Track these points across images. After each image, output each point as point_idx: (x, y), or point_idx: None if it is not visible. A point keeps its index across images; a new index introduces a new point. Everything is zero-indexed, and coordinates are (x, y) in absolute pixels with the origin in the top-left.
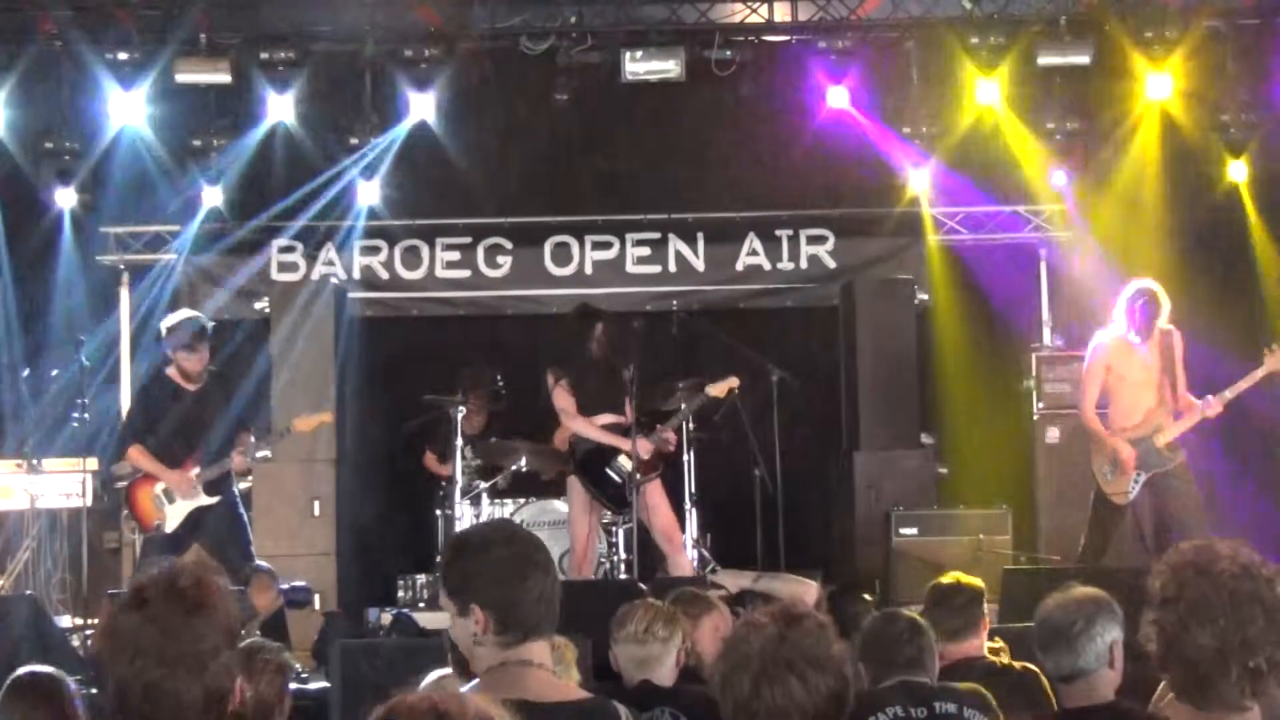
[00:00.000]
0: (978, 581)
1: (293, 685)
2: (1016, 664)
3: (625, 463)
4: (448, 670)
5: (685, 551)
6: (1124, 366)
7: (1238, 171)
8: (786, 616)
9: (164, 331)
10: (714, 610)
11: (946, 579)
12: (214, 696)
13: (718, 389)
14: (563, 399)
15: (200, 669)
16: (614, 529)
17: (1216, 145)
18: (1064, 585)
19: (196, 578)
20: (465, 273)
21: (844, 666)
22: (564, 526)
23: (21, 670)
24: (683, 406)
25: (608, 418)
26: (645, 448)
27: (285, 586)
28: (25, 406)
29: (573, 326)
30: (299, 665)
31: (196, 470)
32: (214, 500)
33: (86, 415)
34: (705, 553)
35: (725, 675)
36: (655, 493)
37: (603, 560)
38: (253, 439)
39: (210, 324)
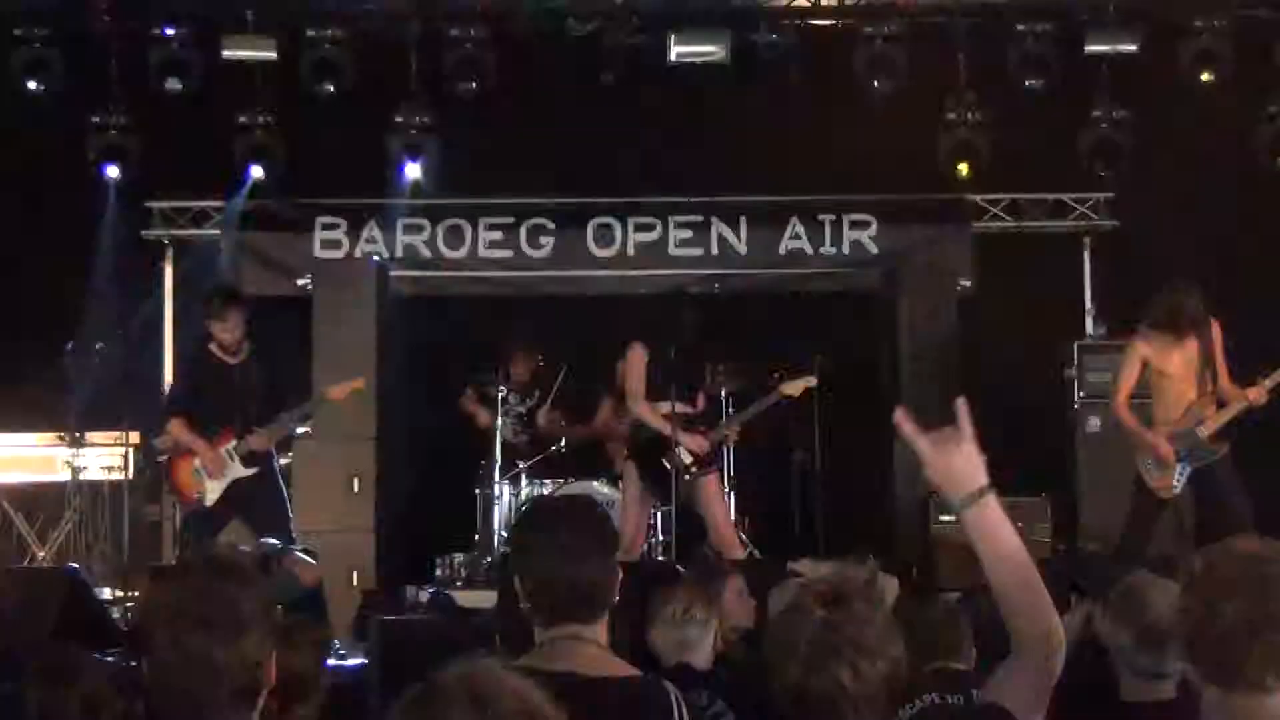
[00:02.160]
0: None
1: (330, 661)
2: None
3: (684, 455)
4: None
5: (738, 551)
6: (1163, 361)
7: None
8: (835, 599)
9: (204, 306)
10: (730, 575)
11: None
12: (249, 666)
13: (793, 388)
14: (634, 379)
15: (236, 637)
16: (653, 512)
17: (1264, 133)
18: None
19: (235, 552)
20: (508, 252)
21: (895, 649)
22: (605, 508)
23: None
24: (754, 404)
25: (676, 406)
26: (699, 444)
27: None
28: (69, 380)
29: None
30: (337, 642)
31: (233, 443)
32: (251, 471)
33: (129, 389)
34: (743, 536)
35: (773, 662)
36: (711, 487)
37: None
38: (286, 415)
39: (240, 291)
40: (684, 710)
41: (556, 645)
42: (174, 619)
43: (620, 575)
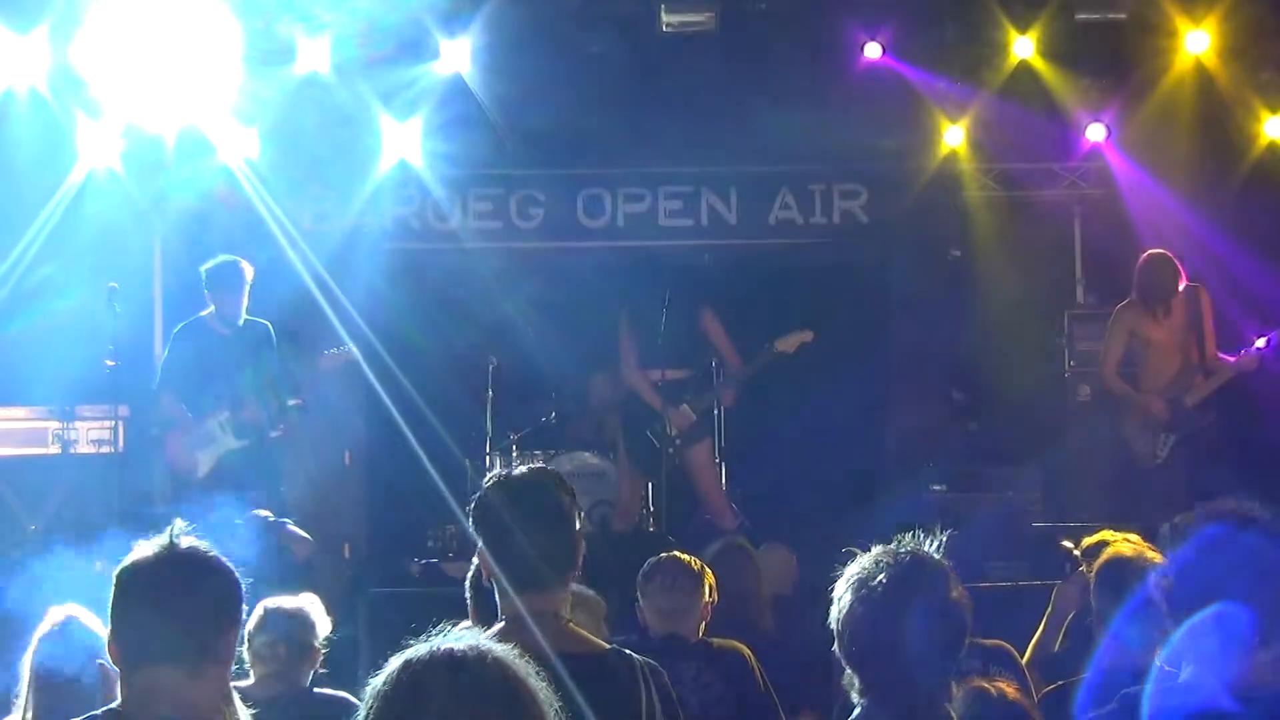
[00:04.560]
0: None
1: (325, 635)
2: None
3: (670, 427)
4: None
5: (730, 520)
6: (1148, 330)
7: (1275, 128)
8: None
9: (203, 276)
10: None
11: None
12: None
13: (787, 344)
14: (625, 347)
15: None
16: (646, 483)
17: (1254, 102)
18: None
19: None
20: (497, 224)
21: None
22: (594, 479)
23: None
24: (748, 365)
25: (667, 374)
26: (685, 417)
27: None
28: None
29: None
30: (327, 615)
31: (225, 415)
32: (242, 444)
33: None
34: (734, 507)
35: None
36: (700, 457)
37: None
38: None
39: (249, 268)
40: (650, 683)
41: (520, 619)
42: None
43: (583, 546)
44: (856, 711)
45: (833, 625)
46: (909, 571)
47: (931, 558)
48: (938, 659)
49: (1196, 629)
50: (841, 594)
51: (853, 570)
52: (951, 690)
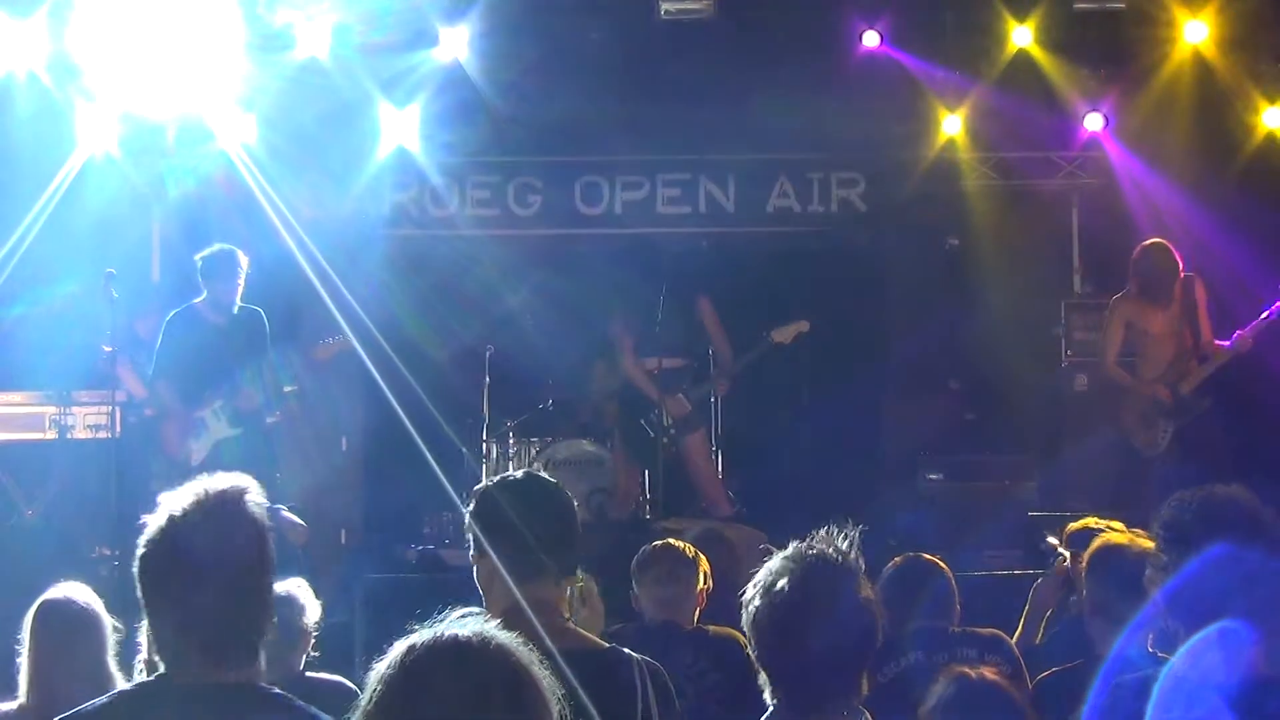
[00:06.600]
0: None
1: (316, 619)
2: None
3: (665, 417)
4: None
5: (726, 508)
6: (1145, 321)
7: (1273, 119)
8: (809, 560)
9: (198, 263)
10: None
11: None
12: None
13: (783, 335)
14: (621, 336)
15: None
16: (643, 470)
17: (1252, 92)
18: None
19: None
20: (495, 211)
21: (874, 610)
22: (591, 466)
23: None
24: (744, 354)
25: (664, 362)
26: (680, 407)
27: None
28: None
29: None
30: (321, 601)
31: (219, 403)
32: (237, 432)
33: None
34: (730, 495)
35: (755, 611)
36: (695, 445)
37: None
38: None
39: (244, 257)
40: (649, 682)
41: (516, 614)
42: None
43: (578, 545)
44: (768, 712)
45: (745, 628)
46: (815, 572)
47: (839, 557)
48: (845, 659)
49: (1200, 643)
50: (750, 596)
51: (762, 572)
52: (863, 690)
